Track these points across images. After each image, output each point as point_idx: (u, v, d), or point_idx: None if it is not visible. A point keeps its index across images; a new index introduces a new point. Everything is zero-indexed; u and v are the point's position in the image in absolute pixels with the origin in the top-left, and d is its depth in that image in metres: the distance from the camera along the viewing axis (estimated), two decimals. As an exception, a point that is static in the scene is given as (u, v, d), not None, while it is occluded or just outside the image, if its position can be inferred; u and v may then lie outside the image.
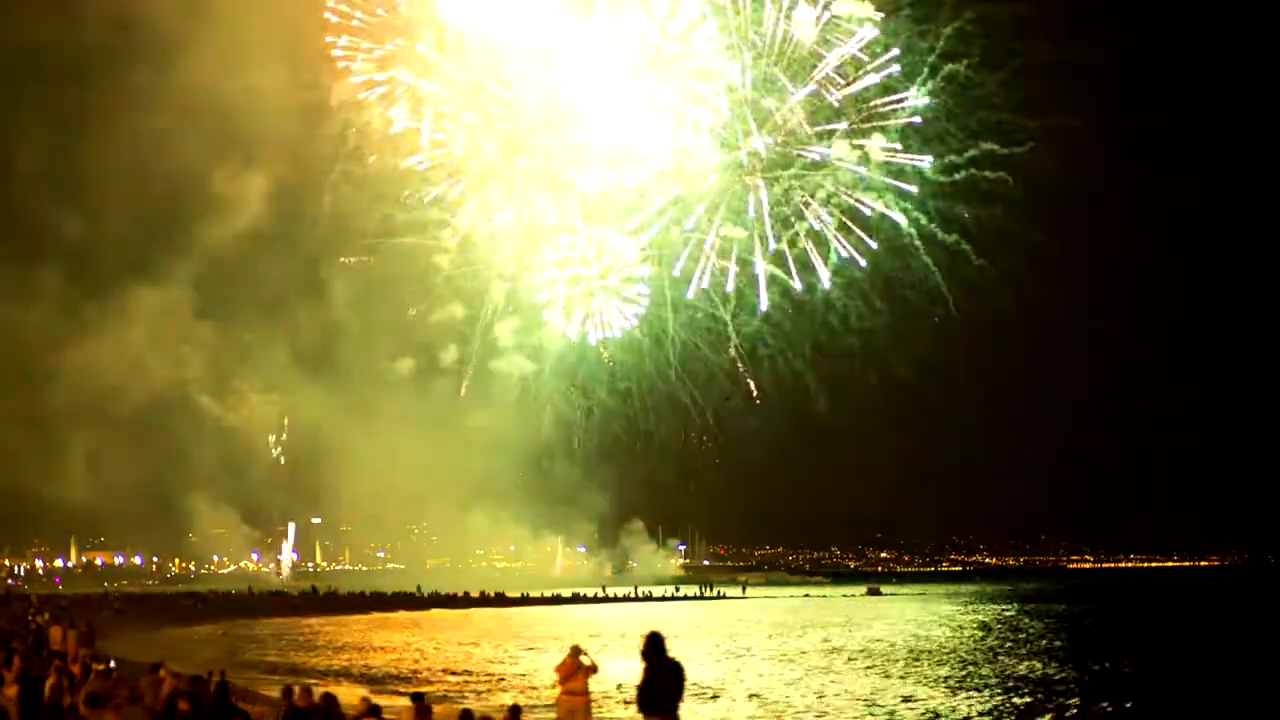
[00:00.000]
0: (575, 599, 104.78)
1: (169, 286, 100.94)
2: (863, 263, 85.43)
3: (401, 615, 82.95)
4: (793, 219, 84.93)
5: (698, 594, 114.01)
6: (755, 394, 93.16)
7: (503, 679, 37.63)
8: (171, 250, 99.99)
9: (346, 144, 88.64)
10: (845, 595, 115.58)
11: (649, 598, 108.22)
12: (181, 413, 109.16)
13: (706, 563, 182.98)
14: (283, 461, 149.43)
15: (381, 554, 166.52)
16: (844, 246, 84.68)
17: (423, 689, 25.72)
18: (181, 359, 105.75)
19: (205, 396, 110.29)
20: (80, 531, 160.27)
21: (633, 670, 12.82)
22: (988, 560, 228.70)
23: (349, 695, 20.96)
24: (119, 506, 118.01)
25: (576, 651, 18.26)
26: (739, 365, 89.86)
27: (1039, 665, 41.19)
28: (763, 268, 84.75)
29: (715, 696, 32.32)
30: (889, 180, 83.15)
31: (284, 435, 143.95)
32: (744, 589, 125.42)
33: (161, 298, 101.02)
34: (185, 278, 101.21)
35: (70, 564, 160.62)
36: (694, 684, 32.00)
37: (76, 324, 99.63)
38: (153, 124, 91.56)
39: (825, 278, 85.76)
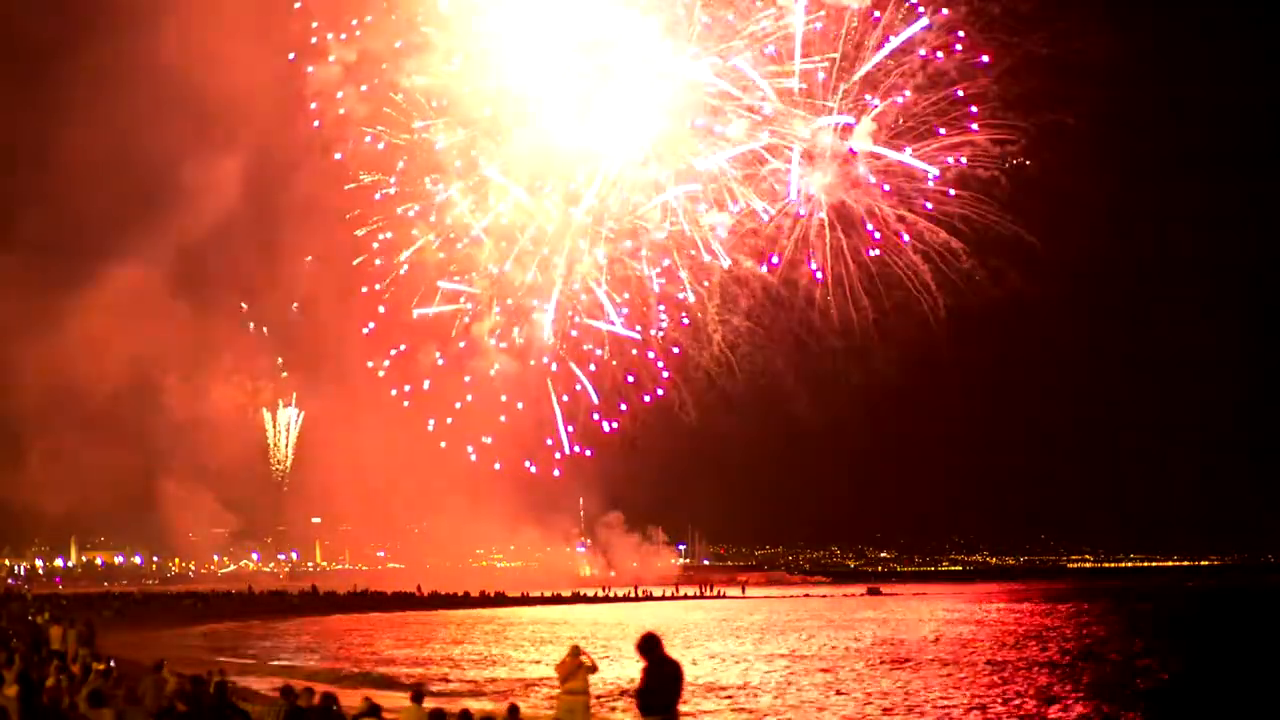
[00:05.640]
0: (576, 598, 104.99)
1: (150, 275, 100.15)
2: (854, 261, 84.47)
3: (409, 615, 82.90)
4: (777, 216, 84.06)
5: (698, 594, 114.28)
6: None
7: (501, 676, 37.62)
8: (150, 240, 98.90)
9: (323, 132, 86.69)
10: (845, 594, 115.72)
11: (649, 597, 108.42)
12: (180, 413, 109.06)
13: (706, 562, 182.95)
14: (284, 462, 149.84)
15: (381, 554, 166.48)
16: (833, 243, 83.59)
17: (422, 688, 25.64)
18: (173, 356, 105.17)
19: (201, 395, 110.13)
20: (80, 531, 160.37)
21: (632, 670, 12.81)
22: (988, 560, 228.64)
23: (349, 695, 20.94)
24: (117, 507, 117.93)
25: (576, 651, 18.27)
26: (730, 364, 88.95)
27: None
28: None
29: (723, 695, 32.23)
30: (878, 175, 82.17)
31: (283, 436, 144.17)
32: (744, 589, 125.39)
33: (143, 289, 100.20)
34: (169, 268, 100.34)
35: (70, 564, 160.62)
36: (694, 681, 32.00)
37: (51, 317, 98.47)
38: (123, 109, 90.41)
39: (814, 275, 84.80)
